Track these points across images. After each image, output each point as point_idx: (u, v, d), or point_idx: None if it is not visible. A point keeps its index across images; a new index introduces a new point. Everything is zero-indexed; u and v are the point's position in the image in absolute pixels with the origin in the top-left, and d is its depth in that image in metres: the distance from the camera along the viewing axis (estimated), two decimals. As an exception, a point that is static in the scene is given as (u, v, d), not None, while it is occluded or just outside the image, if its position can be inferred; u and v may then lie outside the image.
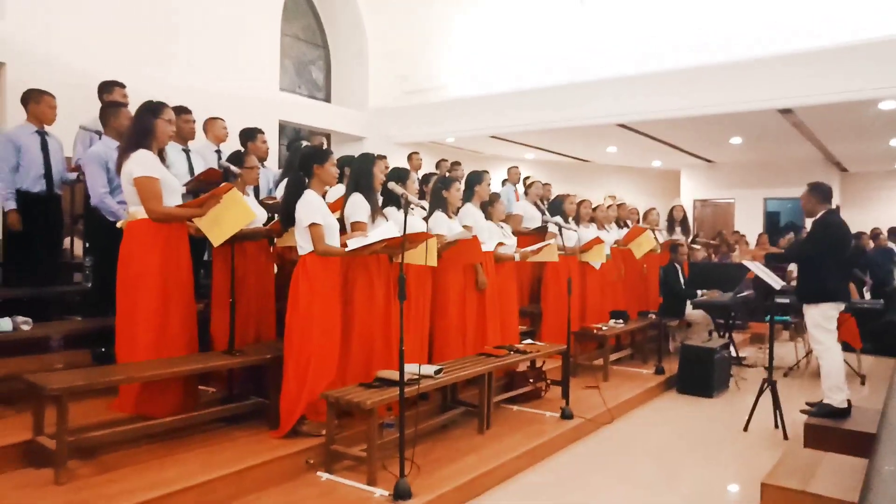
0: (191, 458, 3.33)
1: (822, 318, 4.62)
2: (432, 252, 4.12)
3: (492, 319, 5.04)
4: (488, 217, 5.34)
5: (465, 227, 4.90)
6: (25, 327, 3.72)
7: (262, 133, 5.42)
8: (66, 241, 5.51)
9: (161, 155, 3.75)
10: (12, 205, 4.59)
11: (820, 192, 4.80)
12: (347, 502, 3.17)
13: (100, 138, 4.58)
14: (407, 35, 11.51)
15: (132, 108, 4.22)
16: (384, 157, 5.35)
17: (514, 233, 6.01)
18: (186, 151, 5.03)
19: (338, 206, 4.12)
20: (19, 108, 4.79)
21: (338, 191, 4.66)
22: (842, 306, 4.69)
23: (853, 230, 5.38)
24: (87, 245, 5.16)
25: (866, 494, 1.14)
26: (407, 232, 3.45)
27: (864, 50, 7.31)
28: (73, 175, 4.91)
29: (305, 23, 10.91)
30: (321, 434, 3.62)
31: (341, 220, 3.99)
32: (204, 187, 4.36)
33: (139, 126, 3.66)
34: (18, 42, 6.37)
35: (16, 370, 3.75)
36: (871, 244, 10.19)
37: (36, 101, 4.71)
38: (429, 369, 3.88)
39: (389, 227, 3.80)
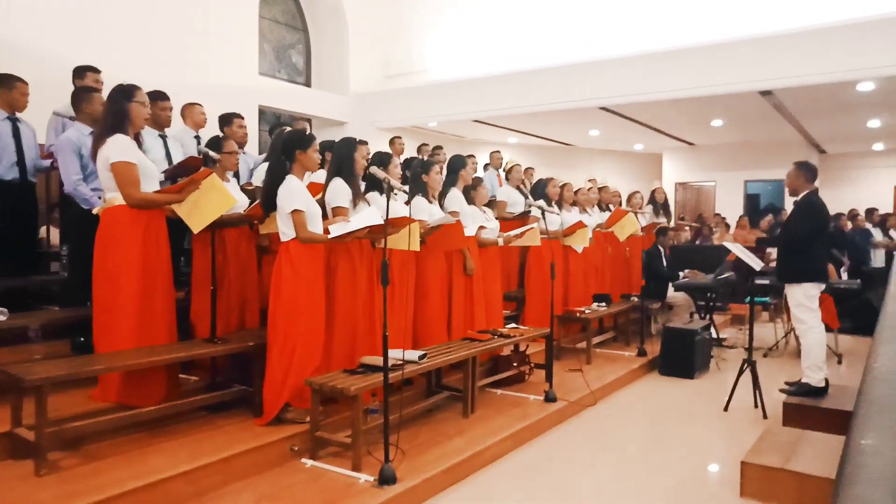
0: (176, 447, 3.31)
1: (805, 298, 4.69)
2: (415, 237, 4.11)
3: (477, 304, 5.05)
4: (471, 201, 5.33)
5: (451, 212, 4.89)
6: (1, 318, 3.65)
7: (240, 118, 5.34)
8: (42, 229, 5.41)
9: (137, 139, 3.68)
10: (-15, 193, 4.49)
11: (807, 170, 4.82)
12: (333, 488, 3.18)
13: (73, 124, 4.48)
14: (388, 18, 11.39)
15: (106, 94, 4.14)
16: (366, 143, 5.30)
17: (497, 218, 6.01)
18: (163, 137, 4.94)
19: (317, 189, 4.08)
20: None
21: (319, 177, 4.61)
22: (823, 286, 4.76)
23: (831, 211, 5.44)
24: (64, 233, 5.07)
25: (844, 468, 1.16)
26: (389, 217, 3.43)
27: (842, 31, 7.37)
28: (47, 162, 4.80)
29: (284, 6, 10.75)
30: (306, 421, 3.62)
31: (322, 205, 3.96)
32: (183, 173, 4.30)
33: (113, 110, 3.59)
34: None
35: (-7, 361, 3.70)
36: (849, 225, 10.36)
37: (8, 88, 4.59)
38: (413, 354, 3.89)
39: (371, 212, 3.78)
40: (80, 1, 6.94)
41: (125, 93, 3.62)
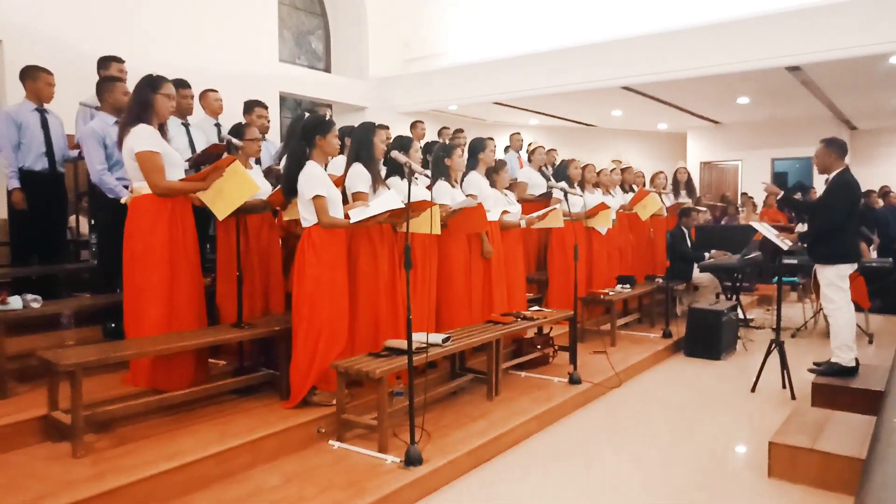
0: (205, 430, 3.37)
1: (837, 278, 4.59)
2: (436, 220, 4.11)
3: (498, 287, 5.04)
4: (493, 184, 5.30)
5: (469, 195, 4.87)
6: (35, 305, 3.74)
7: (262, 106, 5.34)
8: (72, 218, 5.52)
9: (162, 129, 3.72)
10: (16, 183, 4.59)
11: (837, 147, 4.68)
12: (360, 469, 3.22)
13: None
14: (406, 2, 11.30)
15: (130, 84, 4.18)
16: (386, 127, 5.29)
17: (519, 200, 5.98)
18: (186, 126, 4.99)
19: (336, 182, 4.10)
20: (19, 85, 4.75)
21: (340, 162, 4.63)
22: (855, 266, 4.66)
23: (862, 188, 5.30)
24: (93, 222, 5.17)
25: (875, 446, 1.14)
26: (410, 201, 3.43)
27: (873, 2, 7.13)
28: (75, 152, 4.89)
29: (303, -9, 10.73)
30: (332, 404, 3.66)
31: (343, 192, 3.97)
32: (207, 161, 4.35)
33: (139, 100, 3.63)
34: (16, 19, 6.30)
35: (28, 347, 3.80)
36: (881, 202, 10.10)
37: (33, 79, 4.67)
38: (437, 338, 3.90)
39: (391, 196, 3.78)
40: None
41: (151, 84, 3.66)
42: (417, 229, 4.09)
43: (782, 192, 5.24)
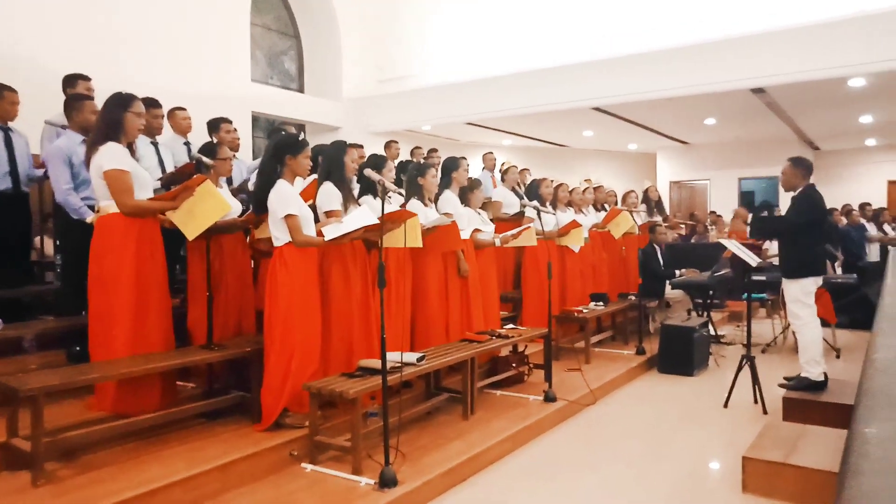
0: (173, 455, 3.28)
1: (802, 293, 4.68)
2: (415, 232, 4.08)
3: (474, 305, 5.03)
4: (467, 203, 5.32)
5: (444, 214, 4.87)
6: (-4, 328, 3.62)
7: (228, 122, 5.31)
8: (37, 239, 5.38)
9: (130, 148, 3.66)
10: (-22, 204, 4.46)
11: (802, 166, 4.82)
12: (334, 492, 3.15)
13: (65, 132, 4.45)
14: (380, 24, 11.39)
15: (98, 102, 4.11)
16: (359, 146, 5.28)
17: (492, 219, 6.00)
18: (155, 144, 4.93)
19: (308, 194, 4.06)
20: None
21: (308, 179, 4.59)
22: (819, 281, 4.76)
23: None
24: (58, 243, 5.04)
25: (847, 458, 1.15)
26: (386, 213, 3.41)
27: (833, 28, 7.39)
28: (40, 171, 4.77)
29: (276, 13, 10.74)
30: (305, 426, 3.59)
31: (313, 209, 3.94)
32: (179, 180, 4.28)
33: (108, 119, 3.57)
34: (-22, 37, 6.18)
35: (-12, 373, 3.67)
36: (844, 220, 10.38)
37: (-3, 97, 4.57)
38: (411, 357, 3.87)
39: (365, 212, 3.76)
40: (71, 13, 6.92)
41: (121, 102, 3.60)
42: (397, 242, 4.05)
43: (750, 216, 5.33)
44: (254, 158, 7.16)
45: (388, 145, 8.24)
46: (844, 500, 0.96)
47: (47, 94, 5.04)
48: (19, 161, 4.62)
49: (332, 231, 3.64)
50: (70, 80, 4.93)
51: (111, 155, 3.48)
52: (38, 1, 6.64)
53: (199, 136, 5.20)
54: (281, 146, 3.83)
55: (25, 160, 4.69)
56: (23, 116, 4.73)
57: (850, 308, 7.79)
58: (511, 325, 5.45)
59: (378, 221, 3.58)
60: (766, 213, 6.78)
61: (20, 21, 6.50)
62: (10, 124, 4.65)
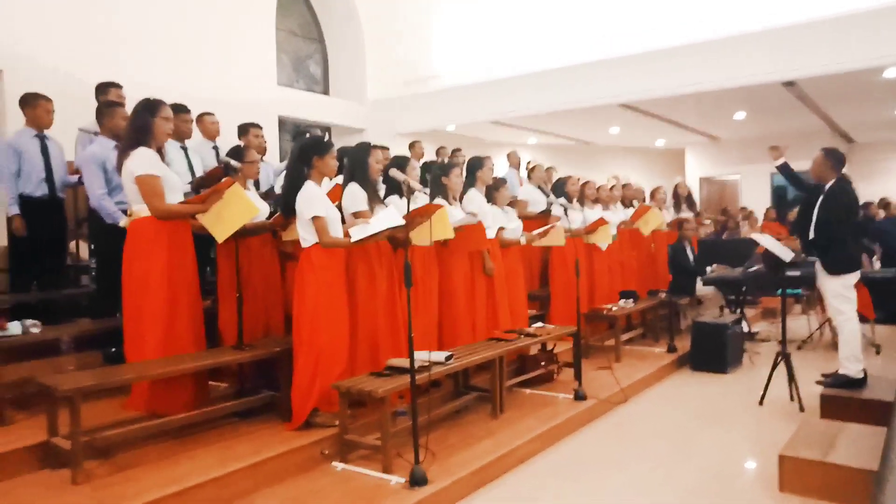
0: (206, 454, 3.33)
1: (843, 288, 4.56)
2: (443, 223, 4.07)
3: (500, 304, 5.02)
4: (493, 201, 5.30)
5: (469, 213, 4.86)
6: (35, 330, 3.72)
7: (257, 127, 5.39)
8: (72, 244, 5.52)
9: (160, 152, 3.72)
10: (16, 210, 4.59)
11: (834, 157, 4.67)
12: (364, 490, 3.17)
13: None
14: (403, 25, 11.44)
15: (129, 109, 4.20)
16: (384, 148, 5.31)
17: (519, 217, 5.97)
18: (184, 149, 5.01)
19: (334, 195, 4.09)
20: (19, 114, 4.77)
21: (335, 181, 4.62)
22: (858, 275, 4.63)
23: (861, 200, 5.27)
24: (92, 247, 5.16)
25: (887, 456, 1.11)
26: (415, 208, 3.41)
27: (865, 18, 7.20)
28: (75, 178, 4.89)
29: (300, 18, 10.85)
30: (334, 425, 3.62)
31: (340, 210, 3.97)
32: (209, 183, 4.35)
33: (137, 124, 3.64)
34: (15, 49, 6.36)
35: (27, 373, 3.77)
36: (881, 213, 10.09)
37: (33, 106, 4.68)
38: (439, 356, 3.87)
39: (391, 213, 3.77)
40: (102, 21, 7.08)
41: (150, 108, 3.67)
42: (425, 238, 4.03)
43: (783, 160, 5.11)
44: (281, 161, 7.24)
45: (412, 145, 8.26)
46: (883, 498, 0.92)
47: (80, 102, 5.18)
48: (55, 168, 4.74)
49: (358, 232, 3.66)
50: (102, 88, 5.05)
51: (142, 160, 3.54)
52: (70, 14, 6.82)
53: (228, 141, 5.27)
54: (307, 148, 3.87)
55: (61, 167, 4.81)
56: (57, 125, 4.84)
57: (888, 303, 7.56)
58: (539, 324, 5.41)
59: (404, 223, 3.59)
60: (797, 209, 6.57)
61: (54, 33, 6.67)
62: (46, 132, 4.77)
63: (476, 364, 4.20)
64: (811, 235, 4.68)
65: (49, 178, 4.70)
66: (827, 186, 4.67)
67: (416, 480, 3.16)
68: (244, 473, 3.16)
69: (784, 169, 5.04)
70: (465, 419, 4.28)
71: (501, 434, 3.99)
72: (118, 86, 5.09)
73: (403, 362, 3.55)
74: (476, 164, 5.28)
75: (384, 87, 11.25)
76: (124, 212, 4.09)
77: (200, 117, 5.52)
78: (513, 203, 6.45)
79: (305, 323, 3.66)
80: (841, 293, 4.56)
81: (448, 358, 3.89)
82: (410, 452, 3.26)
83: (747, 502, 3.33)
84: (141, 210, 3.58)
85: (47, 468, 3.15)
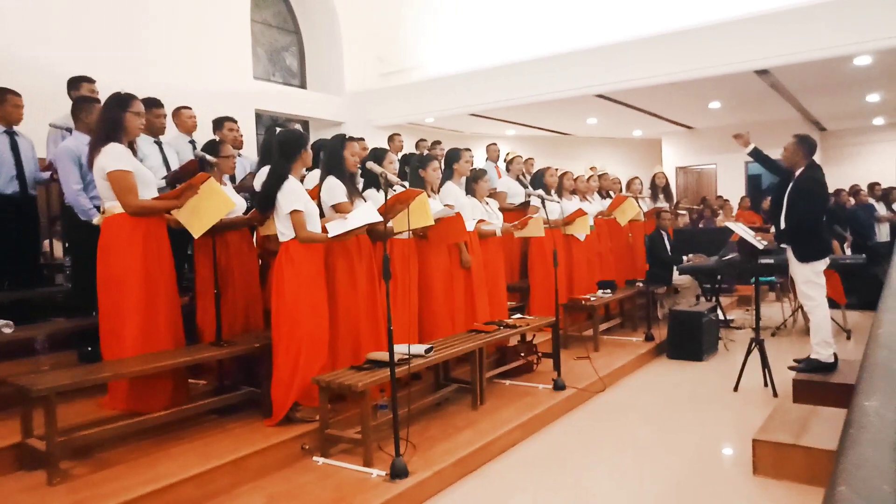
0: (186, 451, 3.31)
1: (813, 274, 4.64)
2: (423, 209, 4.07)
3: (480, 296, 5.04)
4: (473, 193, 5.31)
5: (446, 205, 4.87)
6: (7, 330, 3.67)
7: (231, 121, 5.34)
8: (45, 242, 5.43)
9: (132, 147, 3.68)
10: (-15, 208, 4.50)
11: (807, 144, 4.74)
12: (346, 484, 3.18)
13: (70, 135, 4.48)
14: (380, 16, 11.37)
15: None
16: (361, 140, 5.29)
17: (499, 209, 5.99)
18: (159, 144, 4.95)
19: (313, 194, 4.07)
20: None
21: (314, 176, 4.60)
22: (827, 261, 4.73)
23: (833, 187, 5.38)
24: (66, 244, 5.09)
25: (847, 430, 1.15)
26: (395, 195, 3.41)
27: (836, 6, 7.31)
28: (47, 174, 4.81)
29: (275, 8, 10.74)
30: (315, 419, 3.62)
31: (319, 205, 3.95)
32: (184, 178, 4.30)
33: (108, 119, 3.58)
34: (-19, 42, 6.23)
35: (1, 374, 3.71)
36: (851, 201, 10.30)
37: (1, 101, 4.59)
38: (419, 348, 3.88)
39: (368, 208, 3.76)
40: (72, 15, 6.95)
41: (120, 102, 3.62)
42: (401, 226, 4.01)
43: (753, 145, 5.23)
44: (258, 155, 7.18)
45: (391, 138, 8.23)
46: (841, 471, 0.96)
47: (50, 97, 5.08)
48: (25, 164, 4.65)
49: (336, 227, 3.65)
50: (74, 83, 4.96)
51: (114, 155, 3.50)
52: (38, 7, 6.67)
53: (205, 135, 5.21)
54: (288, 143, 3.84)
55: (31, 163, 4.73)
56: (26, 120, 4.76)
57: (859, 289, 7.74)
58: (519, 315, 5.45)
59: (382, 219, 3.59)
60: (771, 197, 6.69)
61: (21, 26, 6.53)
62: (15, 128, 4.68)
63: (456, 356, 4.23)
64: (782, 224, 4.76)
65: (20, 174, 4.62)
66: (797, 173, 4.75)
67: (397, 473, 3.18)
68: (224, 470, 3.15)
69: (756, 154, 5.13)
70: (445, 411, 4.31)
71: (482, 425, 4.03)
72: (90, 80, 5.00)
73: (383, 356, 3.56)
74: (453, 157, 5.28)
75: (362, 79, 11.19)
76: (98, 208, 4.04)
77: (177, 111, 5.45)
78: (492, 194, 6.48)
79: (285, 318, 3.65)
80: (811, 279, 4.65)
81: (428, 350, 3.91)
82: (391, 445, 3.27)
83: (723, 486, 3.40)
84: (114, 207, 3.54)
85: (22, 470, 3.11)
